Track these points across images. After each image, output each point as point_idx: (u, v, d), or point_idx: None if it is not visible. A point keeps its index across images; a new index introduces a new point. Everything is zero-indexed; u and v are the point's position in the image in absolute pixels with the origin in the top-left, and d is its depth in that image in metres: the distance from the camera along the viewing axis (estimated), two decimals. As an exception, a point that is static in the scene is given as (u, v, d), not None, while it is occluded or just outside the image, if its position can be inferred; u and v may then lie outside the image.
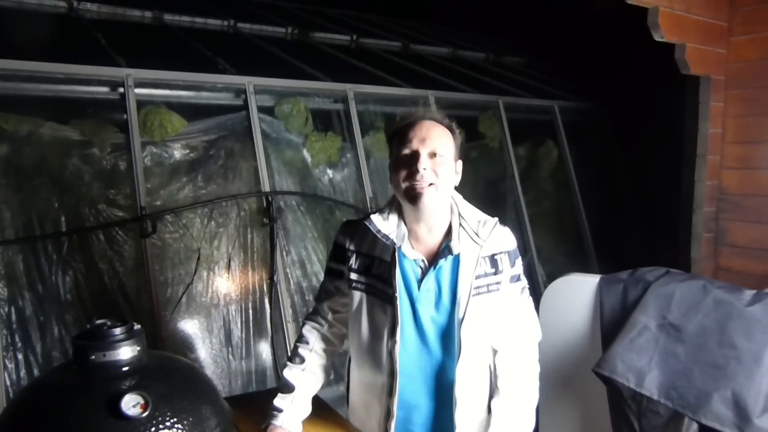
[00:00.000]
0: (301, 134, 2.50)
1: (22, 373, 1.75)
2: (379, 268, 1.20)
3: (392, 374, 1.18)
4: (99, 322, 1.03)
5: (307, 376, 1.28)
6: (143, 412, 0.92)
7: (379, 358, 1.20)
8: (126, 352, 0.99)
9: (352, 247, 1.25)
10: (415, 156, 1.15)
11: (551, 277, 3.03)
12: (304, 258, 2.37)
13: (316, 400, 1.34)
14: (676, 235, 2.60)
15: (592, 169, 3.55)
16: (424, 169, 1.13)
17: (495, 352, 1.26)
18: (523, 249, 3.16)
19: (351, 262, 1.24)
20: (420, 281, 1.18)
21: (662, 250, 2.67)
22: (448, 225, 1.21)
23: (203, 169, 2.23)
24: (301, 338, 1.33)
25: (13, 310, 1.77)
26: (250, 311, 2.21)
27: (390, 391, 1.19)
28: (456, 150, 1.20)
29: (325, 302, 1.31)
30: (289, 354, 1.34)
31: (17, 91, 1.98)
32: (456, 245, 1.17)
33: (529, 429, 1.26)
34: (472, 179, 3.12)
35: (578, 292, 1.73)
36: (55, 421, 0.92)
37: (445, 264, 1.18)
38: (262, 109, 2.41)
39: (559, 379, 1.78)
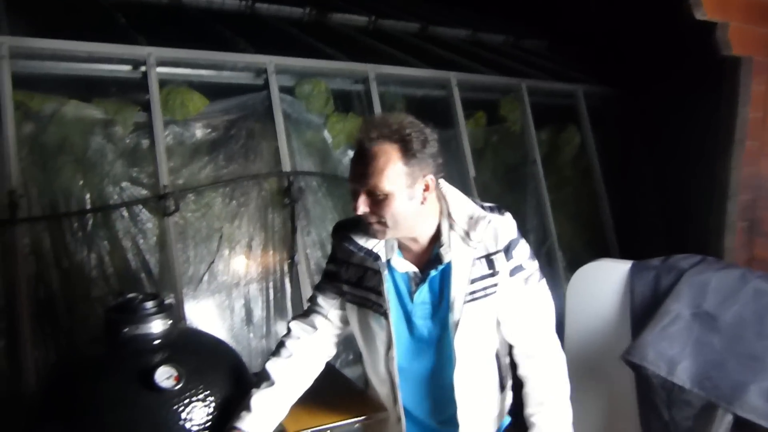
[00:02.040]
0: (322, 115, 2.47)
1: (49, 347, 1.77)
2: (372, 280, 1.12)
3: (393, 386, 1.17)
4: (131, 295, 1.03)
5: (293, 372, 1.12)
6: (177, 384, 0.92)
7: (379, 370, 1.18)
8: (158, 325, 1.00)
9: (342, 257, 1.17)
10: (354, 194, 1.04)
11: (571, 264, 2.99)
12: (324, 239, 2.36)
13: (339, 376, 1.32)
14: (705, 225, 2.52)
15: (616, 156, 3.46)
16: (364, 211, 1.03)
17: (510, 347, 1.22)
18: (544, 235, 3.11)
19: (342, 272, 1.17)
20: (413, 293, 1.13)
21: (689, 239, 2.59)
22: (437, 228, 1.10)
23: (224, 148, 2.22)
24: (289, 333, 1.19)
25: (41, 285, 1.79)
26: (271, 291, 2.21)
27: (395, 399, 1.19)
28: (414, 169, 1.01)
29: (321, 303, 1.20)
30: (274, 348, 1.17)
31: (41, 70, 1.98)
32: (446, 253, 1.08)
33: (567, 418, 1.21)
34: (492, 165, 3.07)
35: (608, 278, 1.69)
36: (90, 394, 0.92)
37: (437, 273, 1.11)
38: (282, 89, 2.37)
39: (585, 366, 1.74)
